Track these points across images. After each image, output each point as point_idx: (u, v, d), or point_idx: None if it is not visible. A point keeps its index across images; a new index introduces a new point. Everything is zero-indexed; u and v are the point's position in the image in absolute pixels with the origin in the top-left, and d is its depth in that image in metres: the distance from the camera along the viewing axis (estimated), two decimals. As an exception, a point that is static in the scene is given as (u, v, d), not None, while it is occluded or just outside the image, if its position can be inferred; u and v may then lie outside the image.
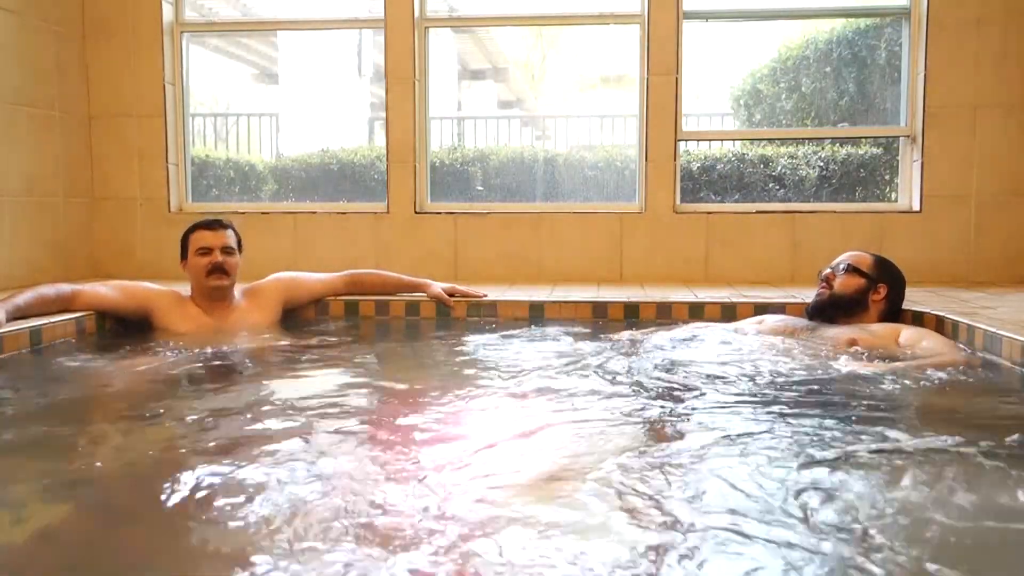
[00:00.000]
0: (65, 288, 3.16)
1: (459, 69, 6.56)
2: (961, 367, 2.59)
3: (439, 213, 4.79)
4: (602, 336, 3.21)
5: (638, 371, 2.60)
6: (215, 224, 3.28)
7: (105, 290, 3.23)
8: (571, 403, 2.22)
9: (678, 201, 4.69)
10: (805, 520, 1.39)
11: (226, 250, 3.22)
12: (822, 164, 5.03)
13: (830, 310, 3.01)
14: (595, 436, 1.89)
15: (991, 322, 2.86)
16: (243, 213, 4.80)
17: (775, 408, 2.14)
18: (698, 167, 5.08)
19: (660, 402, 2.32)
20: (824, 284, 3.08)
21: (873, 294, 3.04)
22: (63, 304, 3.12)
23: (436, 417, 2.11)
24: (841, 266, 3.08)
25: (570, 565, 1.24)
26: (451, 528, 1.36)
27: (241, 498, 1.50)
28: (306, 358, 2.88)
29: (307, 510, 1.43)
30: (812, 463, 1.68)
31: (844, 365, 2.57)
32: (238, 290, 3.36)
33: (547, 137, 6.07)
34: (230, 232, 3.28)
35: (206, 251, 3.20)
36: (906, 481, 1.57)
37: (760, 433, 1.90)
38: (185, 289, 3.34)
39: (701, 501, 1.50)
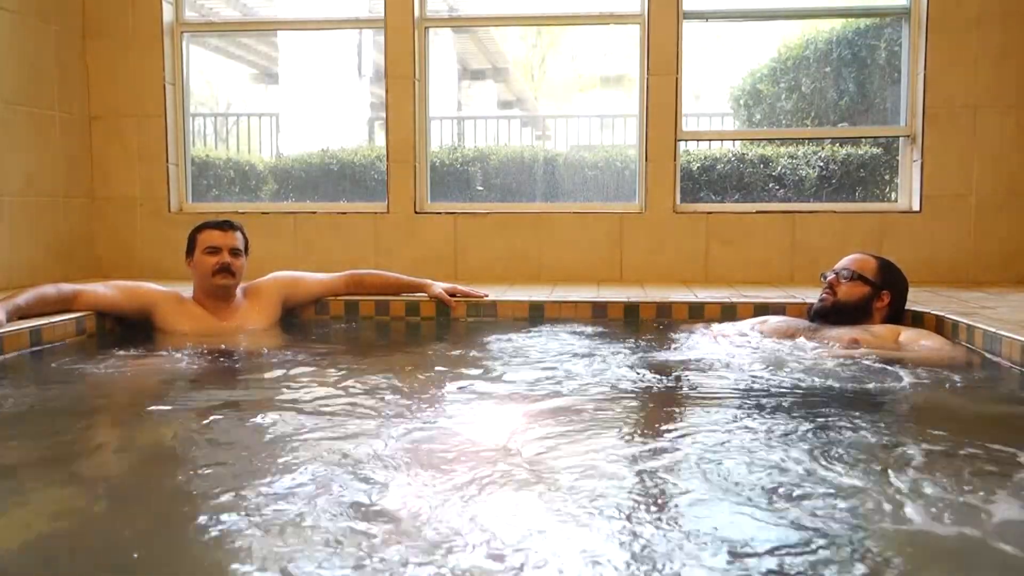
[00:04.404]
0: (66, 288, 3.16)
1: (459, 69, 6.56)
2: (960, 366, 2.59)
3: (439, 213, 4.79)
4: (604, 337, 3.22)
5: (639, 372, 2.60)
6: (225, 225, 3.30)
7: (106, 290, 3.23)
8: (571, 402, 2.22)
9: (678, 201, 4.69)
10: (804, 518, 1.39)
11: (234, 251, 3.24)
12: (822, 164, 5.03)
13: (834, 316, 3.01)
14: (595, 435, 1.90)
15: (991, 322, 2.86)
16: (243, 213, 4.80)
17: (777, 409, 2.14)
18: (698, 167, 5.09)
19: (661, 402, 2.32)
20: (828, 290, 3.07)
21: (877, 301, 3.04)
22: (64, 304, 3.12)
23: (436, 416, 2.11)
24: (845, 272, 3.06)
25: (565, 564, 1.24)
26: (449, 527, 1.36)
27: (242, 498, 1.50)
28: (306, 358, 2.88)
29: (307, 508, 1.43)
30: (813, 463, 1.68)
31: (845, 366, 2.57)
32: (239, 289, 3.37)
33: (547, 137, 6.07)
34: (239, 234, 3.30)
35: (214, 250, 3.22)
36: (907, 480, 1.57)
37: (761, 434, 1.90)
38: (186, 290, 3.34)
39: (698, 499, 1.50)
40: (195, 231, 3.31)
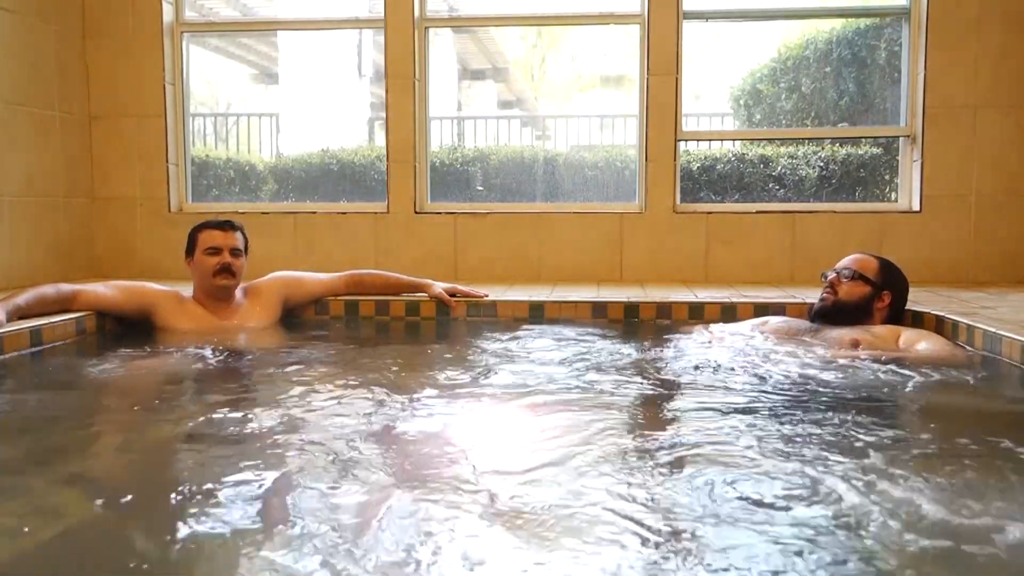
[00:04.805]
0: (65, 288, 3.16)
1: (459, 69, 6.56)
2: (961, 367, 2.59)
3: (439, 213, 4.79)
4: (604, 337, 3.22)
5: (639, 372, 2.60)
6: (226, 225, 3.30)
7: (105, 290, 3.23)
8: (571, 403, 2.22)
9: (678, 201, 4.69)
10: (803, 518, 1.39)
11: (234, 251, 3.24)
12: (822, 164, 5.03)
13: (834, 316, 3.01)
14: (594, 435, 1.89)
15: (991, 322, 2.86)
16: (243, 213, 4.80)
17: (777, 410, 2.14)
18: (698, 167, 5.09)
19: (661, 403, 2.32)
20: (829, 290, 3.07)
21: (878, 301, 3.04)
22: (63, 304, 3.12)
23: (436, 416, 2.11)
24: (846, 272, 3.06)
25: (563, 565, 1.24)
26: (448, 527, 1.37)
27: (242, 498, 1.50)
28: (306, 358, 2.88)
29: (307, 509, 1.43)
30: (812, 463, 1.68)
31: (846, 367, 2.57)
32: (239, 288, 3.37)
33: (547, 137, 6.07)
34: (239, 234, 3.31)
35: (215, 251, 3.22)
36: (909, 481, 1.57)
37: (762, 435, 1.90)
38: (185, 289, 3.34)
39: (697, 500, 1.49)
40: (195, 230, 3.31)
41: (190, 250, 3.29)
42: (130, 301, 3.24)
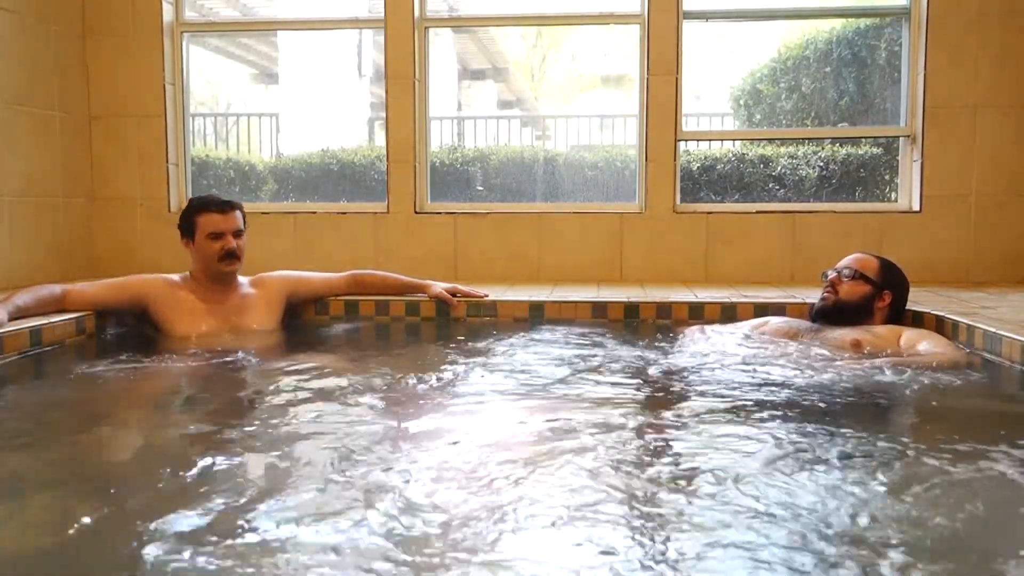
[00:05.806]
0: (56, 288, 3.15)
1: (459, 69, 6.56)
2: (961, 367, 2.59)
3: (439, 213, 4.79)
4: (604, 337, 3.22)
5: (639, 373, 2.60)
6: (225, 206, 3.20)
7: (93, 288, 3.21)
8: (571, 403, 2.22)
9: (678, 201, 4.69)
10: (804, 520, 1.39)
11: (237, 233, 3.19)
12: (822, 164, 5.03)
13: (835, 316, 3.01)
14: (594, 436, 1.89)
15: (991, 322, 2.86)
16: (243, 213, 4.79)
17: (779, 411, 2.14)
18: (698, 167, 5.09)
19: (661, 405, 2.32)
20: (829, 289, 3.07)
21: (878, 301, 3.03)
22: (57, 304, 3.10)
23: (436, 417, 2.11)
24: (847, 271, 3.06)
25: (561, 564, 1.24)
26: (447, 527, 1.36)
27: (242, 501, 1.50)
28: (306, 358, 2.88)
29: (307, 509, 1.43)
30: (814, 464, 1.68)
31: (847, 367, 2.57)
32: (245, 281, 3.34)
33: (547, 137, 6.08)
34: (238, 213, 3.23)
35: (218, 235, 3.16)
36: (907, 482, 1.57)
37: (762, 436, 1.89)
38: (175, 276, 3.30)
39: (696, 500, 1.50)
40: (194, 213, 3.21)
41: (188, 231, 3.21)
42: (120, 295, 3.19)
